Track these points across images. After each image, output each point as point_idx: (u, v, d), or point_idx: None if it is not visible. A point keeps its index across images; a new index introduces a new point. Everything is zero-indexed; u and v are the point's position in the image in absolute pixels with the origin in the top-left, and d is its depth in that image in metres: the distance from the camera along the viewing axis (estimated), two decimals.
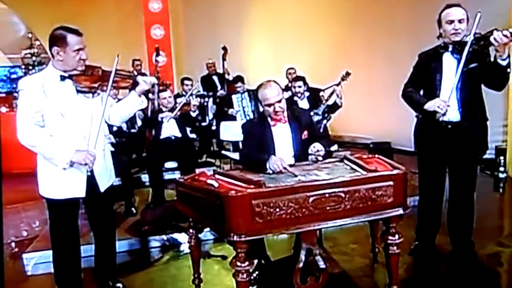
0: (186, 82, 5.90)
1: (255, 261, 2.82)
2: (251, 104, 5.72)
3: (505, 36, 2.36)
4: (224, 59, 6.23)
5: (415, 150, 2.95)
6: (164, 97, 4.55)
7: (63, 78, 2.42)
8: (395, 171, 2.26)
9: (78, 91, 2.45)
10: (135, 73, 6.84)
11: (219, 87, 6.74)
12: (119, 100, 3.04)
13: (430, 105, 2.66)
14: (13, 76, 7.46)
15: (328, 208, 2.11)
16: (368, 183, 2.16)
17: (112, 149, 4.25)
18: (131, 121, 5.08)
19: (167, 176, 4.57)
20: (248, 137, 2.81)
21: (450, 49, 2.66)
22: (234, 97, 5.85)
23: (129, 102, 2.58)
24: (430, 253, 3.00)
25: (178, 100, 4.73)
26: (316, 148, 2.52)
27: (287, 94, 5.28)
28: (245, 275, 2.12)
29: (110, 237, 2.74)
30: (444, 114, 2.63)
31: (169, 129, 4.48)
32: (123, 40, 8.18)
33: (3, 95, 7.95)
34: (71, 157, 2.36)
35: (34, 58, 7.80)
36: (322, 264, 2.30)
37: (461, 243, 2.92)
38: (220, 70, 6.87)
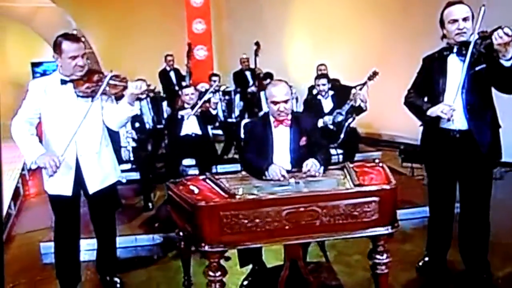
0: (213, 78, 5.91)
1: (250, 266, 2.82)
2: None
3: (506, 34, 2.09)
4: (256, 55, 6.16)
5: (422, 162, 2.74)
6: (186, 93, 4.59)
7: (64, 82, 2.52)
8: (380, 187, 2.09)
9: (77, 96, 2.53)
10: (168, 68, 6.98)
11: (251, 82, 6.70)
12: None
13: (433, 111, 2.43)
14: None
15: (303, 222, 2.01)
16: (348, 199, 2.02)
17: (134, 144, 4.41)
18: (158, 116, 5.21)
19: (190, 172, 4.63)
20: (249, 137, 2.77)
21: (455, 50, 2.43)
22: (262, 93, 5.77)
23: (120, 109, 2.57)
24: (439, 271, 2.79)
25: (205, 96, 4.76)
26: (308, 167, 2.40)
27: (315, 91, 5.12)
28: (218, 285, 2.09)
29: (109, 236, 2.82)
30: (449, 120, 2.38)
31: (190, 126, 4.52)
32: (165, 35, 8.37)
33: None
34: (35, 158, 2.37)
35: None
36: (308, 278, 2.23)
37: (474, 262, 2.68)
38: (253, 66, 6.82)
